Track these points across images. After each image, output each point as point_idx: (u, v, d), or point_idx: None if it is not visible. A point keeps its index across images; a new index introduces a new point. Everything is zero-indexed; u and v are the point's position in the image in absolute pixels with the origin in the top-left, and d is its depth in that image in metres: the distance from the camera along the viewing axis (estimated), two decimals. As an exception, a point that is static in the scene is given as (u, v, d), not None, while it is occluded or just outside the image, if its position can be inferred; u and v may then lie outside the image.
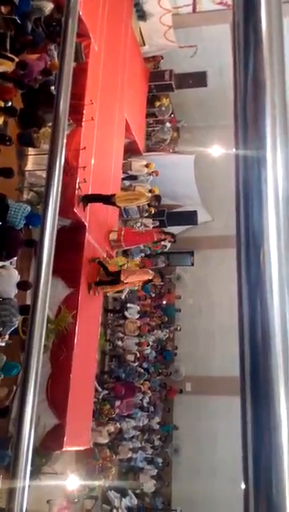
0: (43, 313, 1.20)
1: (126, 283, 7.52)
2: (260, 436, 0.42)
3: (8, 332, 4.97)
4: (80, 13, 6.87)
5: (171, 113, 12.91)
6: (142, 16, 11.08)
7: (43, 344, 1.18)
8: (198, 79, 12.88)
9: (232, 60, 0.51)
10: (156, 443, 11.72)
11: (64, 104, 1.25)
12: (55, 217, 1.25)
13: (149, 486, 11.18)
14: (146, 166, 10.94)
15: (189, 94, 13.29)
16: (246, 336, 0.45)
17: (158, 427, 11.86)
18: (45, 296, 1.20)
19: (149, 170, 10.90)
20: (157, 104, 12.59)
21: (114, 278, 7.35)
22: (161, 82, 12.31)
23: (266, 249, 0.46)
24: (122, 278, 7.34)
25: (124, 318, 10.23)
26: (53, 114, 1.24)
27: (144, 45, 11.63)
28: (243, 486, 0.43)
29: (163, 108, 12.58)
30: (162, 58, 12.13)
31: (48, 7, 5.28)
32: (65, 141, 1.31)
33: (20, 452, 1.12)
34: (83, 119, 6.96)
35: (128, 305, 10.28)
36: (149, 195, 9.14)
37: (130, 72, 10.12)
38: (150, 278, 8.00)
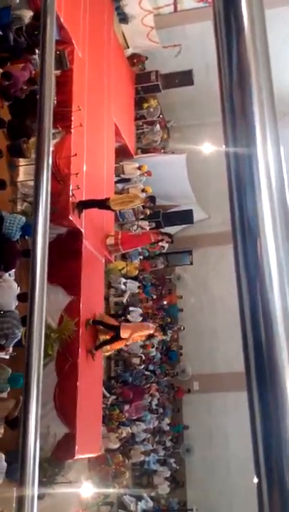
0: (40, 322, 1.18)
1: (126, 339, 7.30)
2: (269, 426, 0.42)
3: (12, 344, 4.95)
4: (62, 20, 6.89)
5: (160, 114, 12.94)
6: (124, 18, 11.12)
7: (42, 351, 1.17)
8: (185, 78, 12.92)
9: (215, 51, 0.51)
10: (168, 444, 11.68)
11: (48, 105, 1.25)
12: (46, 224, 1.24)
13: (163, 487, 11.14)
14: (139, 168, 10.96)
15: (177, 93, 13.33)
16: (248, 327, 0.44)
17: (168, 428, 11.83)
18: (41, 305, 1.19)
19: (141, 172, 10.92)
20: (145, 105, 12.63)
21: (114, 333, 7.15)
22: (147, 84, 12.35)
23: (262, 238, 0.45)
24: (122, 335, 7.15)
25: (127, 321, 10.21)
26: (37, 120, 1.24)
27: (128, 47, 11.68)
28: (255, 480, 0.42)
29: (151, 109, 12.61)
30: (146, 59, 12.16)
31: (28, 15, 5.30)
32: (51, 148, 1.31)
33: (27, 461, 1.10)
34: (72, 126, 6.97)
35: (130, 308, 10.26)
36: (144, 196, 9.15)
37: (116, 75, 10.14)
38: (152, 332, 7.76)
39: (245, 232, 0.46)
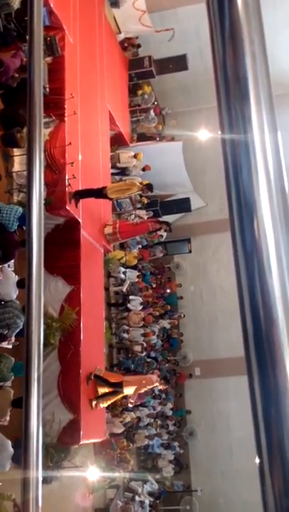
0: (38, 310, 1.20)
1: (130, 396, 7.05)
2: (270, 409, 0.42)
3: (14, 334, 5.01)
4: (52, 5, 6.75)
5: (155, 100, 12.77)
6: (115, 2, 10.87)
7: (42, 337, 1.20)
8: (179, 63, 12.70)
9: (209, 34, 0.49)
10: (171, 428, 11.89)
11: (38, 92, 1.24)
12: (40, 213, 1.25)
13: (168, 470, 11.40)
14: (135, 156, 10.87)
15: (171, 79, 13.14)
16: (247, 307, 0.44)
17: (171, 412, 12.03)
18: (39, 295, 1.21)
19: (138, 161, 10.82)
20: (139, 92, 12.45)
21: (116, 389, 6.95)
22: (141, 70, 12.14)
23: (260, 223, 0.45)
24: (125, 391, 6.97)
25: (128, 310, 10.29)
26: (27, 108, 1.24)
27: (120, 32, 11.45)
28: (257, 461, 0.43)
29: (146, 96, 12.43)
30: (140, 46, 11.94)
31: (17, 1, 5.17)
32: (45, 137, 1.31)
33: (30, 444, 1.13)
34: (66, 114, 6.89)
35: (130, 297, 10.33)
36: (140, 185, 9.10)
37: (108, 61, 9.98)
38: (155, 385, 7.47)
39: (242, 218, 0.46)
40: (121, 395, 7.12)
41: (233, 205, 0.47)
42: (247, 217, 0.46)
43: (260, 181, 0.46)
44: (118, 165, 10.57)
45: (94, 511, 7.82)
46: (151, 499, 10.23)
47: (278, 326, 0.43)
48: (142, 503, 9.69)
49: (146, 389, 7.30)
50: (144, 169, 10.83)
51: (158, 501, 10.70)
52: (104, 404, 7.05)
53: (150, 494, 10.30)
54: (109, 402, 7.15)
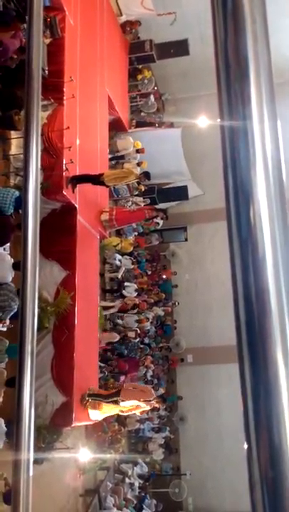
0: (33, 293, 1.22)
1: (123, 408, 6.82)
2: (259, 395, 0.43)
3: (9, 317, 5.04)
4: (52, -15, 6.57)
5: (155, 86, 12.58)
6: (117, -17, 10.60)
7: (36, 319, 1.22)
8: (180, 47, 12.47)
9: (211, 19, 0.48)
10: (162, 413, 12.12)
11: (36, 74, 1.23)
12: (37, 195, 1.26)
13: (158, 453, 11.67)
14: (138, 151, 10.78)
15: (172, 64, 12.91)
16: (240, 296, 0.45)
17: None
18: (34, 276, 1.22)
19: (135, 148, 10.71)
20: (139, 77, 12.24)
21: (114, 399, 6.76)
22: (141, 54, 11.91)
23: (256, 213, 0.45)
24: (121, 402, 6.72)
25: (122, 296, 10.35)
26: (25, 90, 1.23)
27: (122, 15, 11.19)
28: (245, 446, 0.44)
29: (146, 81, 12.24)
30: (140, 24, 11.66)
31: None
32: (43, 120, 1.31)
33: (22, 425, 1.14)
34: (64, 98, 6.78)
35: (125, 284, 10.38)
36: (138, 171, 9.05)
37: (109, 44, 9.78)
38: (156, 406, 7.25)
39: (238, 204, 0.45)
40: (116, 407, 6.98)
41: (230, 191, 0.47)
42: (243, 204, 0.45)
43: (257, 163, 0.45)
44: (117, 154, 10.47)
45: (84, 492, 8.02)
46: (141, 481, 10.49)
47: (271, 314, 0.44)
48: (131, 484, 9.95)
49: (144, 404, 6.98)
50: (138, 151, 10.73)
51: (147, 483, 10.99)
52: (100, 412, 6.94)
53: (140, 476, 10.57)
54: (105, 413, 7.01)
